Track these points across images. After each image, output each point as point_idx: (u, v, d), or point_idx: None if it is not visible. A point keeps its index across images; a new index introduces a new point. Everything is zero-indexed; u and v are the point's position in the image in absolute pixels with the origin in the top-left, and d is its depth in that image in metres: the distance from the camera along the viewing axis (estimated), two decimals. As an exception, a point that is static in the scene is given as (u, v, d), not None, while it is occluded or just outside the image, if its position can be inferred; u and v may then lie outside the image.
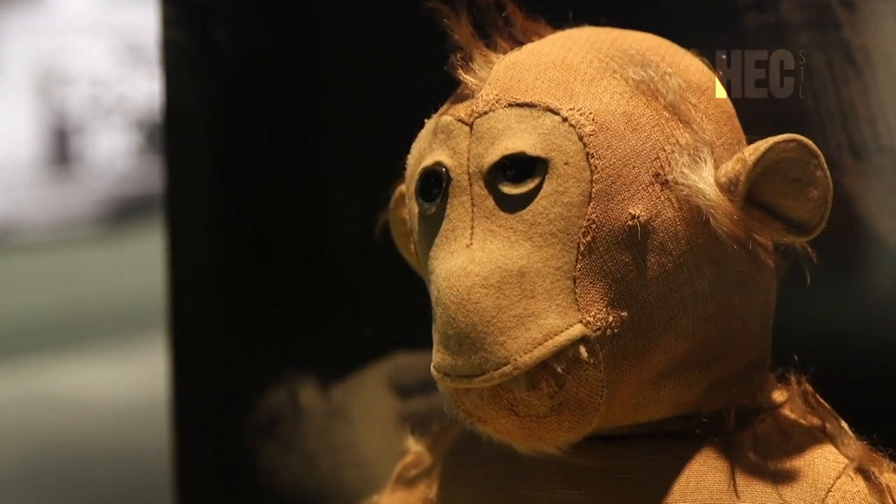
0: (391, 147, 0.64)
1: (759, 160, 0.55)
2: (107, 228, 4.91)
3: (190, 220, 0.99)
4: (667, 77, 0.58)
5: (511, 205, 0.56)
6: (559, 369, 0.55)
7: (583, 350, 0.55)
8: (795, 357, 0.60)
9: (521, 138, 0.56)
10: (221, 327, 0.98)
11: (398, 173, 0.64)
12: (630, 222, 0.55)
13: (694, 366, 0.58)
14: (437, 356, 0.56)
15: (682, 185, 0.56)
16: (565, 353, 0.55)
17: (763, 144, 0.56)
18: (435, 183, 0.58)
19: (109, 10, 5.22)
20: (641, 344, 0.56)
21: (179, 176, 0.98)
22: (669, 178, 0.56)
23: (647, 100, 0.57)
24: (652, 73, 0.58)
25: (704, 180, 0.56)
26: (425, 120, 0.62)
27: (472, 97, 0.58)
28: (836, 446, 0.59)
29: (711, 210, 0.56)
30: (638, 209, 0.56)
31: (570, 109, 0.56)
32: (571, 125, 0.56)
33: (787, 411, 0.60)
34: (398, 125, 0.62)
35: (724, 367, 0.59)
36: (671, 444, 0.59)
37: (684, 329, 0.57)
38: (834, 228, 0.57)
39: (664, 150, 0.56)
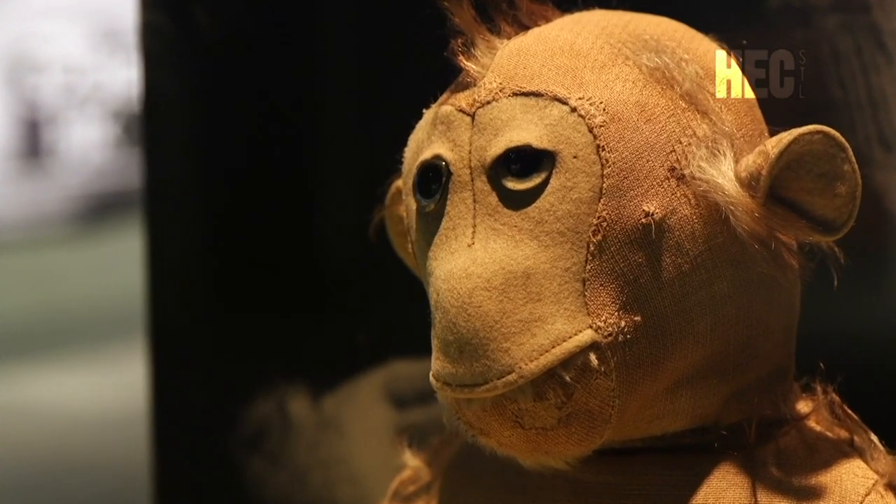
0: (386, 139, 0.64)
1: (782, 153, 0.55)
2: (82, 226, 4.92)
3: (171, 218, 0.99)
4: (683, 64, 0.58)
5: (516, 201, 0.56)
6: (567, 378, 0.55)
7: (593, 357, 0.55)
8: (821, 365, 0.60)
9: (526, 130, 0.56)
10: (205, 333, 0.98)
11: (394, 168, 0.64)
12: (644, 220, 0.55)
13: (712, 374, 0.58)
14: (437, 364, 0.56)
15: (700, 179, 0.56)
16: (574, 360, 0.55)
17: (787, 136, 0.56)
18: (434, 178, 0.58)
19: (84, -8, 5.22)
20: (656, 351, 0.56)
21: (159, 170, 0.98)
22: (686, 172, 0.56)
23: (662, 88, 0.57)
24: (667, 60, 0.58)
25: (723, 175, 0.56)
26: (423, 110, 0.62)
27: (474, 85, 0.58)
28: (866, 461, 0.59)
29: (731, 207, 0.56)
30: (652, 206, 0.56)
31: (580, 99, 0.56)
32: (581, 116, 0.56)
33: (812, 423, 0.60)
34: (394, 116, 0.62)
35: (745, 376, 0.59)
36: (687, 458, 0.59)
37: (702, 335, 0.57)
38: (863, 226, 0.57)
39: (680, 143, 0.56)
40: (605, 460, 0.59)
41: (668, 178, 0.56)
